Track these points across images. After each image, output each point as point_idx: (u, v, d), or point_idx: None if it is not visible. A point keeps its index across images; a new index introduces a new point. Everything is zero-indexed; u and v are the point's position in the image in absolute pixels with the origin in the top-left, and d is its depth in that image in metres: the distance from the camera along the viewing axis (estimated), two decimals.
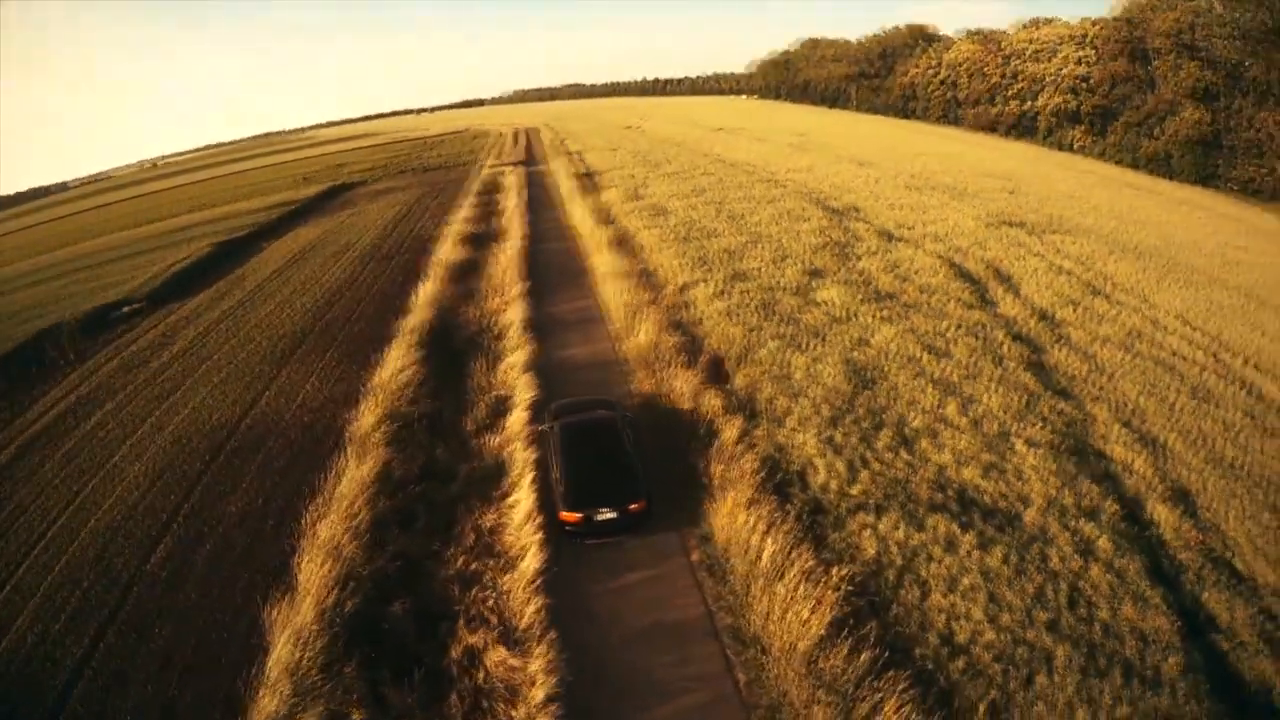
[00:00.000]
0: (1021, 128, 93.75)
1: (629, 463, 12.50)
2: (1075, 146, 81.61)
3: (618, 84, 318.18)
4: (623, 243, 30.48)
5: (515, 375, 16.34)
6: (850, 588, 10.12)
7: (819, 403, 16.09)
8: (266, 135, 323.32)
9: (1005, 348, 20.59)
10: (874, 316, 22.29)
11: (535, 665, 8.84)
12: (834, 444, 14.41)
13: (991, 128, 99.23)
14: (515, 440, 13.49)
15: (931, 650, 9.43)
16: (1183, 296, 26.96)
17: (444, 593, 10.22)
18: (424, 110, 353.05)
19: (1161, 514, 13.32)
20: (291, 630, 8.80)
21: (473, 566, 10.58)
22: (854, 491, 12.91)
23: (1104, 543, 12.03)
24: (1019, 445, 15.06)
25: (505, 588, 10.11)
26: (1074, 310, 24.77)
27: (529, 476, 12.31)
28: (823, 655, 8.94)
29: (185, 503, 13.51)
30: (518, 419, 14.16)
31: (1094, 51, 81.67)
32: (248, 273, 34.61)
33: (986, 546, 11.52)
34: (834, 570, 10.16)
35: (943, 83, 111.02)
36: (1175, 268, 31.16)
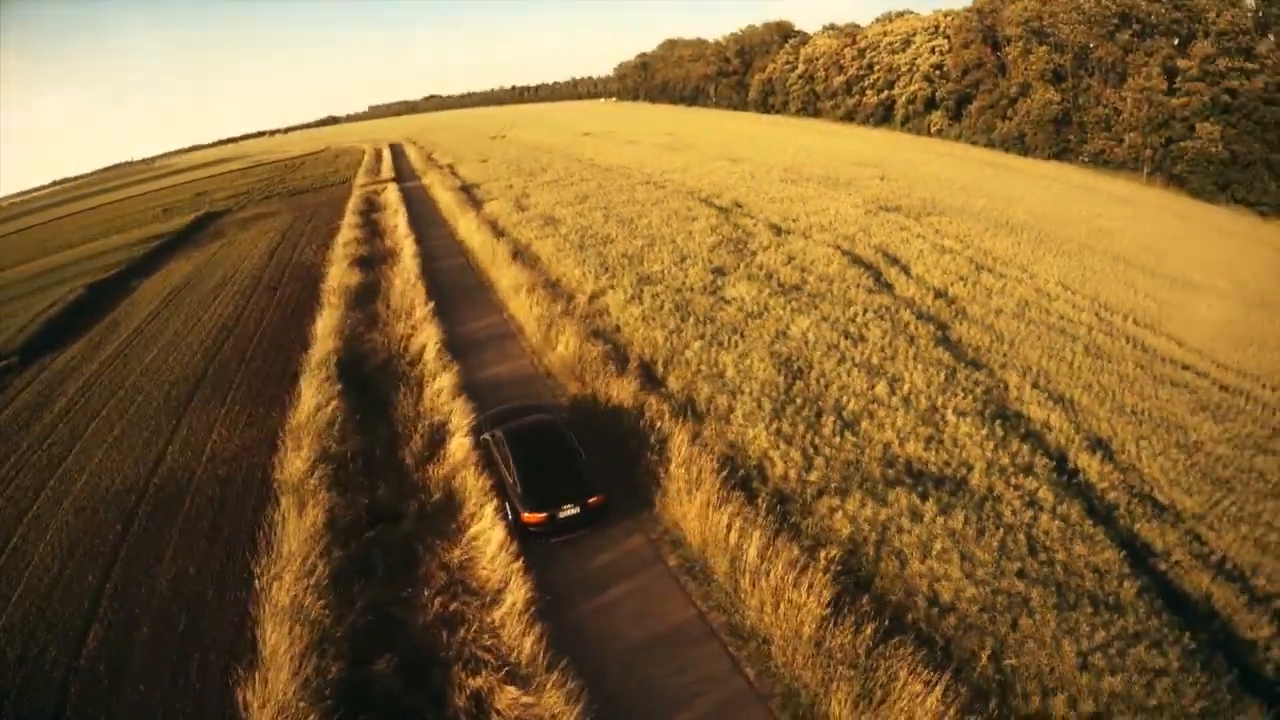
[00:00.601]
0: (880, 116, 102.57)
1: (580, 459, 13.50)
2: (934, 131, 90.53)
3: (476, 93, 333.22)
4: (520, 255, 30.80)
5: (445, 400, 16.27)
6: (837, 568, 11.05)
7: (758, 397, 17.17)
8: (117, 166, 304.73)
9: (913, 327, 22.73)
10: (786, 309, 23.86)
11: (552, 698, 8.94)
12: (783, 435, 15.48)
13: (851, 117, 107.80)
14: (463, 468, 13.47)
15: (923, 613, 10.53)
16: (1059, 265, 30.83)
17: (427, 640, 10.11)
18: (278, 131, 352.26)
19: (1085, 462, 15.41)
20: (273, 709, 8.41)
21: (452, 607, 10.53)
22: (813, 478, 13.98)
23: (1045, 493, 13.81)
24: (949, 416, 16.83)
25: (498, 622, 10.16)
26: (965, 286, 27.67)
27: (490, 505, 12.40)
28: (829, 635, 9.74)
29: (107, 581, 12.53)
30: (459, 446, 14.14)
31: (947, 41, 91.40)
32: (122, 315, 33.24)
33: (947, 511, 12.91)
34: (821, 553, 11.05)
35: (801, 77, 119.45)
36: (1047, 239, 35.51)
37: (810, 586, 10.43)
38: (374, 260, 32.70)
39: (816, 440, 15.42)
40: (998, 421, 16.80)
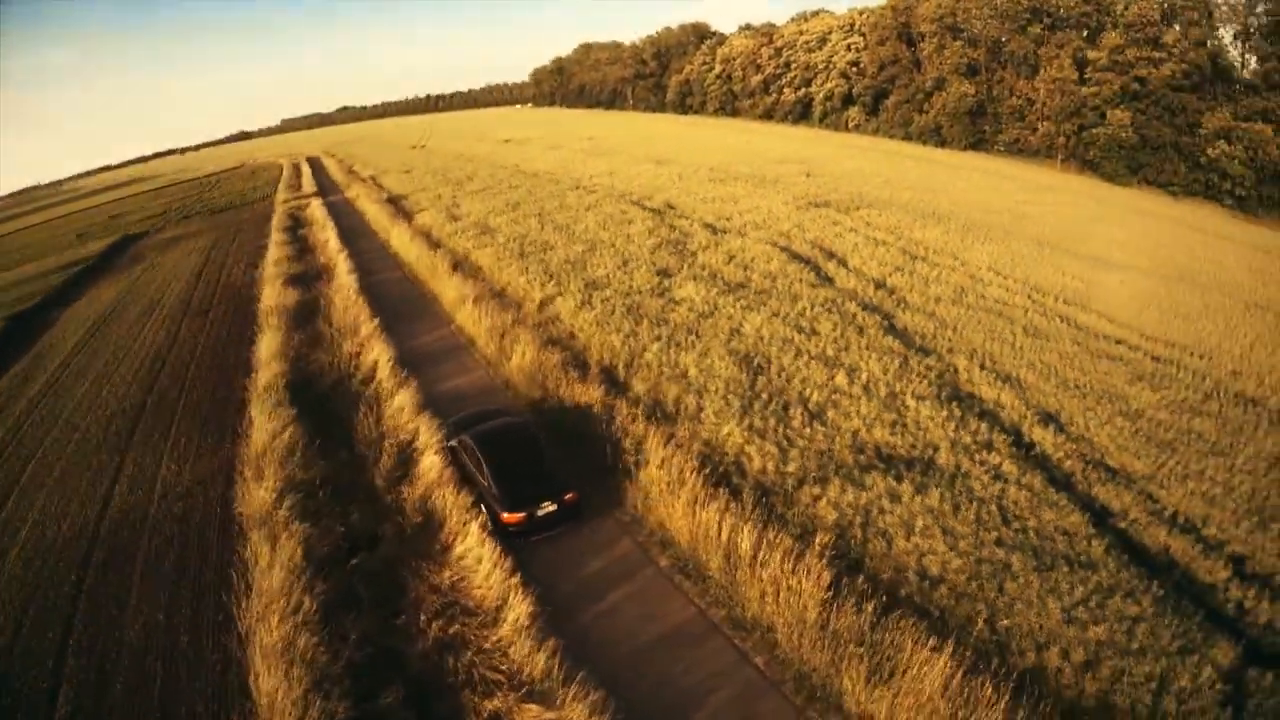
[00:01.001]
0: (798, 113, 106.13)
1: (549, 457, 14.14)
2: (851, 126, 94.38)
3: (392, 103, 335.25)
4: (460, 266, 30.90)
5: (408, 417, 16.23)
6: (830, 553, 11.69)
7: (725, 395, 17.78)
8: (21, 192, 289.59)
9: (861, 318, 23.83)
10: (736, 307, 24.63)
11: (575, 712, 9.08)
12: (756, 430, 16.12)
13: (769, 116, 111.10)
14: (439, 487, 13.52)
15: (915, 587, 11.28)
16: (988, 251, 32.75)
17: (429, 666, 10.13)
18: (190, 149, 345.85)
19: (1040, 435, 16.60)
20: None
21: (452, 630, 10.56)
22: (791, 469, 14.65)
23: (1008, 466, 14.90)
24: (909, 401, 17.83)
25: (504, 640, 10.26)
26: (903, 276, 29.11)
27: (475, 523, 12.52)
28: (833, 617, 10.34)
29: (70, 636, 11.93)
30: (431, 464, 14.15)
31: (862, 38, 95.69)
32: (47, 348, 32.08)
33: (923, 490, 13.78)
34: (815, 539, 11.67)
35: (719, 77, 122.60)
36: (974, 227, 37.62)
37: (808, 572, 11.03)
38: (308, 278, 32.24)
39: (788, 433, 16.12)
40: (954, 403, 17.90)
